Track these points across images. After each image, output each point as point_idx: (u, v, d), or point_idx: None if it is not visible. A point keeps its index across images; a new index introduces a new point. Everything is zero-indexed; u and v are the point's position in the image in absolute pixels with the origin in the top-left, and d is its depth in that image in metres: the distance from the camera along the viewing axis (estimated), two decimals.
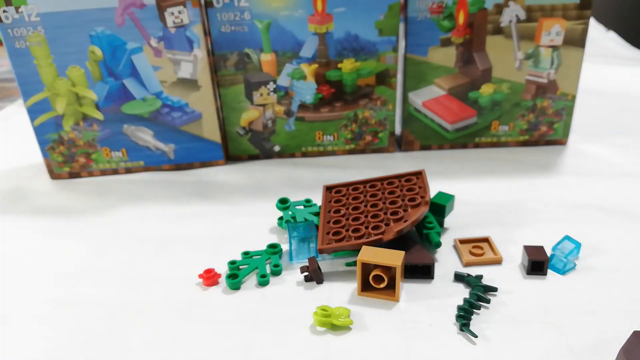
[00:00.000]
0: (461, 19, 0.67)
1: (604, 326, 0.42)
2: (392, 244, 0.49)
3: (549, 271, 0.49)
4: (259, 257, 0.52)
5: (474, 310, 0.44)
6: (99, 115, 0.68)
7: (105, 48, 0.64)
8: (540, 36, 0.68)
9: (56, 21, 0.62)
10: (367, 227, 0.51)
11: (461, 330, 0.42)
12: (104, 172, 0.72)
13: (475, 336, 0.41)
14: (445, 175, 0.68)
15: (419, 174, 0.57)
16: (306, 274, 0.49)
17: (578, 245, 0.49)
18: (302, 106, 0.72)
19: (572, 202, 0.60)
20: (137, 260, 0.53)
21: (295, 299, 0.47)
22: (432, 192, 0.64)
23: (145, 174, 0.72)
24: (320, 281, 0.49)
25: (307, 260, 0.51)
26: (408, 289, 0.47)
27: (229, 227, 0.58)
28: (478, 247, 0.51)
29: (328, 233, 0.51)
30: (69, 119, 0.68)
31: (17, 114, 0.98)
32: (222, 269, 0.51)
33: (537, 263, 0.48)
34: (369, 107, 0.72)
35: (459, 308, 0.43)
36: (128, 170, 0.73)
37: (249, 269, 0.50)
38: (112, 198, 0.66)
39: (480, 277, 0.47)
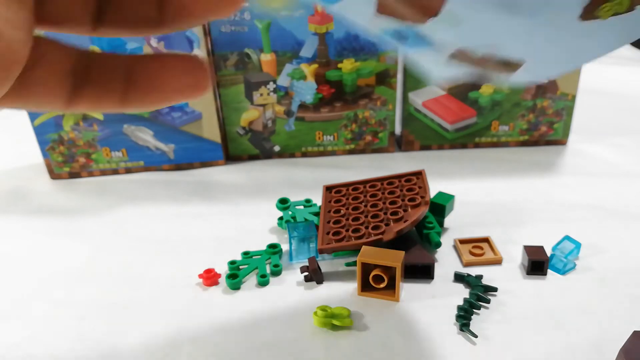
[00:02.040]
0: None
1: (604, 326, 0.42)
2: (392, 244, 0.49)
3: (549, 271, 0.49)
4: (259, 257, 0.52)
5: (474, 310, 0.44)
6: (99, 115, 0.68)
7: (105, 48, 0.64)
8: None
9: None
10: (367, 227, 0.51)
11: (461, 330, 0.42)
12: (104, 172, 0.72)
13: (475, 336, 0.41)
14: (445, 175, 0.68)
15: (419, 174, 0.57)
16: (306, 274, 0.49)
17: (578, 245, 0.49)
18: (302, 106, 0.72)
19: (572, 202, 0.60)
20: (137, 260, 0.53)
21: (295, 299, 0.47)
22: (432, 192, 0.64)
23: (145, 174, 0.72)
24: (320, 281, 0.48)
25: (307, 260, 0.51)
26: (408, 289, 0.47)
27: (229, 227, 0.58)
28: (478, 247, 0.51)
29: (328, 233, 0.51)
30: (69, 119, 0.68)
31: (17, 114, 0.98)
32: (222, 269, 0.51)
33: (537, 263, 0.48)
34: (369, 107, 0.72)
35: (459, 308, 0.43)
36: (128, 170, 0.73)
37: (249, 269, 0.50)
38: (112, 198, 0.66)
39: (480, 277, 0.47)
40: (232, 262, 0.50)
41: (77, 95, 0.21)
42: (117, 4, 0.21)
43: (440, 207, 0.54)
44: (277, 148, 0.75)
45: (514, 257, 0.51)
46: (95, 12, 0.20)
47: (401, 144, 0.76)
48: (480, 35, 0.26)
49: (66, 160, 0.71)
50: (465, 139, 0.75)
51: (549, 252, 0.50)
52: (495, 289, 0.46)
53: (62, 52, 0.21)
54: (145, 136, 0.70)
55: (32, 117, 0.68)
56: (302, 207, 0.59)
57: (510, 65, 0.28)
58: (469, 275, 0.47)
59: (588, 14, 0.24)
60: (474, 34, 0.26)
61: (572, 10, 0.24)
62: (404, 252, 0.46)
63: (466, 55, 0.29)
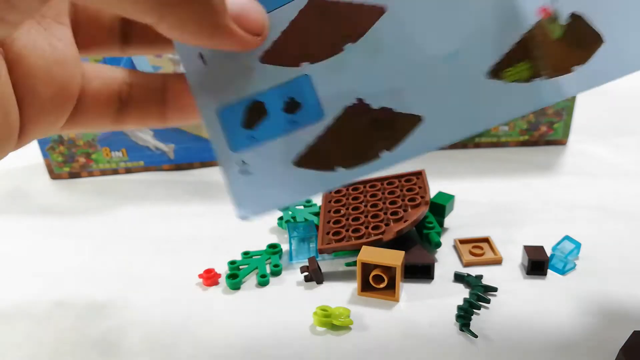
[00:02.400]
0: None
1: (604, 326, 0.42)
2: (392, 244, 0.49)
3: (549, 271, 0.49)
4: (259, 257, 0.52)
5: (474, 310, 0.44)
6: None
7: None
8: None
9: None
10: (367, 227, 0.51)
11: (461, 330, 0.42)
12: (104, 172, 0.72)
13: (475, 336, 0.41)
14: (445, 175, 0.68)
15: (419, 174, 0.57)
16: (306, 274, 0.49)
17: (578, 245, 0.49)
18: None
19: (572, 202, 0.60)
20: (137, 260, 0.53)
21: (295, 299, 0.47)
22: (432, 192, 0.64)
23: (145, 174, 0.72)
24: (320, 281, 0.48)
25: (307, 260, 0.51)
26: (408, 289, 0.47)
27: (229, 227, 0.58)
28: (478, 247, 0.51)
29: (328, 233, 0.51)
30: None
31: None
32: (222, 269, 0.51)
33: (537, 263, 0.48)
34: None
35: (459, 308, 0.43)
36: (128, 170, 0.73)
37: (249, 269, 0.50)
38: (112, 198, 0.66)
39: (480, 277, 0.47)
40: (232, 262, 0.50)
41: (123, 115, 0.24)
42: (140, 27, 0.23)
43: (440, 207, 0.54)
44: None
45: (514, 257, 0.51)
46: (121, 35, 0.24)
47: None
48: (391, 73, 0.25)
49: (66, 160, 0.71)
50: (465, 139, 0.75)
51: (549, 252, 0.50)
52: (495, 289, 0.46)
53: (107, 79, 0.24)
54: (145, 136, 0.70)
55: None
56: (302, 207, 0.59)
57: (402, 131, 0.27)
58: (469, 275, 0.47)
59: (496, 72, 0.24)
60: (385, 71, 0.25)
61: (483, 62, 0.24)
62: (404, 252, 0.46)
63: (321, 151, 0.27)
